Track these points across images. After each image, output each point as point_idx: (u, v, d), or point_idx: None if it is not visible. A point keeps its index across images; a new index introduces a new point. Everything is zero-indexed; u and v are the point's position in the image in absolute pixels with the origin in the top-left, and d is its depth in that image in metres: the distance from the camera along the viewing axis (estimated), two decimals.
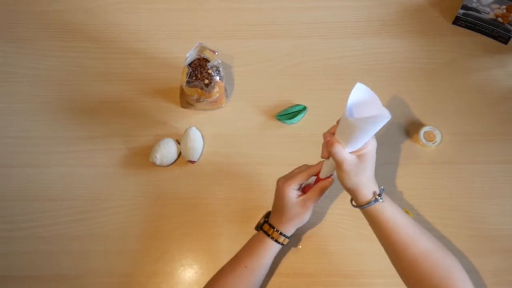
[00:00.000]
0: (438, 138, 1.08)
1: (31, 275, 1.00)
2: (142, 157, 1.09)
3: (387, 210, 0.82)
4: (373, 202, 0.81)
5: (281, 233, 0.90)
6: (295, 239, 1.01)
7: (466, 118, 1.12)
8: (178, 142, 1.08)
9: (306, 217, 0.91)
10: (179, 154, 1.08)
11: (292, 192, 0.89)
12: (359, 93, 0.75)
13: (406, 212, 1.01)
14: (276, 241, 0.90)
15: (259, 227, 0.94)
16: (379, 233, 0.84)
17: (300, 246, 1.00)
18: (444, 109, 1.13)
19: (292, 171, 0.92)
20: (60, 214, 1.04)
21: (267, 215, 0.95)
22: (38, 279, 0.99)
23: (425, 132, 1.08)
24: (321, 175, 0.89)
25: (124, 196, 1.06)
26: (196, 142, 1.07)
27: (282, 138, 1.10)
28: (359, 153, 0.79)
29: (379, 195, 0.82)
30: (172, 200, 1.05)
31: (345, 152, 0.78)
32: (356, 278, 0.97)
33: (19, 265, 1.00)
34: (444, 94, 1.14)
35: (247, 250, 0.91)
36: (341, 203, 1.04)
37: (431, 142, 1.08)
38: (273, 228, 0.90)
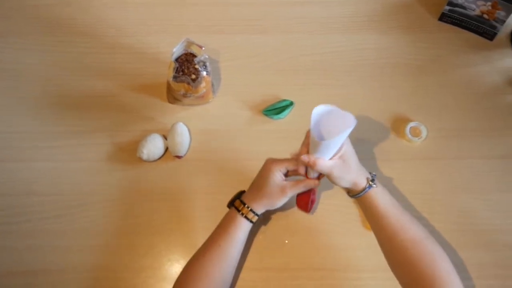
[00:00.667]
0: (424, 133, 1.09)
1: (16, 270, 0.99)
2: (129, 152, 1.08)
3: (379, 196, 0.88)
4: (368, 188, 0.88)
5: (251, 210, 0.91)
6: (282, 233, 1.01)
7: (451, 114, 1.13)
8: (165, 137, 1.08)
9: (279, 202, 0.92)
10: (166, 149, 1.08)
11: (277, 173, 0.91)
12: (319, 111, 0.82)
13: None
14: (246, 217, 0.91)
15: (230, 204, 0.95)
16: (371, 218, 0.89)
17: (287, 241, 1.00)
18: (430, 105, 1.13)
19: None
20: (46, 209, 1.04)
21: (240, 193, 0.96)
22: (23, 274, 0.98)
23: (411, 128, 1.09)
24: (309, 175, 0.92)
25: (110, 191, 1.05)
26: (183, 137, 1.07)
27: (269, 133, 1.11)
28: (339, 155, 0.86)
29: (372, 180, 0.88)
30: (158, 195, 1.05)
31: (328, 162, 0.86)
32: (343, 272, 0.97)
33: (4, 260, 1.00)
34: (430, 90, 1.15)
35: (220, 228, 0.92)
36: (329, 199, 1.04)
37: (417, 138, 1.08)
38: (244, 204, 0.91)
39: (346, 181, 0.88)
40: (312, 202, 0.96)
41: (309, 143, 0.87)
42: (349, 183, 0.88)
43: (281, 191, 0.91)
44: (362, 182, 0.88)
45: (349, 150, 0.88)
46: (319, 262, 0.99)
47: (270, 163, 0.93)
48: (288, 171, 0.94)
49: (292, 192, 0.91)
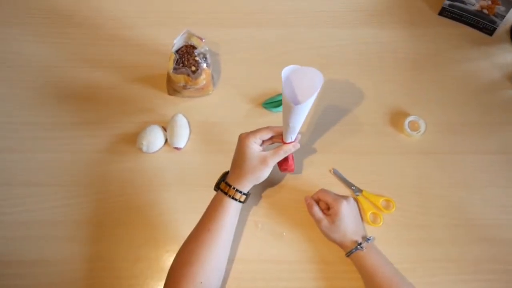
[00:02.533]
0: (422, 127, 1.09)
1: (14, 260, 0.99)
2: (129, 144, 1.09)
3: (367, 259, 0.92)
4: (353, 251, 0.93)
5: (237, 190, 0.91)
6: (280, 226, 1.01)
7: (450, 108, 1.13)
8: (164, 129, 1.08)
9: (263, 174, 0.93)
10: (166, 141, 1.08)
11: (253, 145, 0.92)
12: (287, 73, 0.83)
13: (388, 200, 1.03)
14: (234, 198, 0.91)
15: (216, 187, 0.96)
16: (361, 276, 0.94)
17: (284, 234, 1.01)
18: (429, 99, 1.14)
19: None
20: (44, 199, 1.04)
21: (224, 174, 0.97)
22: (21, 263, 0.99)
23: (409, 122, 1.09)
24: (284, 140, 0.93)
25: (109, 182, 1.06)
26: (183, 129, 1.07)
27: None
28: (328, 214, 0.96)
29: (360, 244, 0.93)
30: (157, 187, 1.05)
31: (321, 213, 0.97)
32: (339, 265, 0.98)
33: (2, 249, 1.00)
34: (429, 84, 1.15)
35: (209, 213, 0.92)
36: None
37: (416, 132, 1.09)
38: (229, 186, 0.91)
39: (331, 239, 0.96)
40: (293, 159, 0.99)
41: (313, 196, 1.00)
42: (334, 241, 0.96)
43: (262, 162, 0.91)
44: (348, 245, 0.94)
45: (344, 213, 0.95)
46: (316, 255, 0.99)
47: (244, 137, 0.93)
48: (263, 141, 0.95)
49: (273, 161, 0.92)
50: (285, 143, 0.94)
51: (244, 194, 0.92)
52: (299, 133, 0.94)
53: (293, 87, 0.84)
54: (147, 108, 1.13)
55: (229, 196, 0.91)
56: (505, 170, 1.07)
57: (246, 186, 0.92)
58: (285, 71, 0.81)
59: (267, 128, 0.94)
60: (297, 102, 0.84)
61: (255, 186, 0.94)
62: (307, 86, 0.81)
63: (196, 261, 0.86)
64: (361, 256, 0.92)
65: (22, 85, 1.16)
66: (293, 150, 0.94)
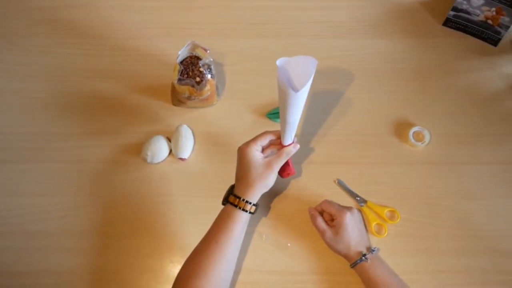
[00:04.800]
0: (427, 138, 1.09)
1: (19, 270, 1.00)
2: (133, 154, 1.09)
3: (372, 270, 0.92)
4: (358, 262, 0.93)
5: (247, 201, 0.90)
6: (285, 237, 1.01)
7: (455, 119, 1.13)
8: (169, 140, 1.09)
9: (270, 180, 0.93)
10: (170, 152, 1.08)
11: (255, 153, 0.92)
12: (282, 64, 0.81)
13: (393, 211, 1.02)
14: (244, 210, 0.90)
15: (225, 201, 0.95)
16: (365, 286, 0.93)
17: (289, 244, 1.01)
18: (433, 110, 1.14)
19: None
20: (49, 210, 1.04)
21: (231, 188, 0.96)
22: (26, 274, 0.99)
23: (414, 132, 1.09)
24: (283, 142, 0.93)
25: (114, 193, 1.06)
26: (187, 139, 1.07)
27: None
28: (332, 225, 0.96)
29: (364, 255, 0.92)
30: (162, 197, 1.05)
31: (325, 225, 0.97)
32: (343, 276, 0.97)
33: (7, 260, 1.00)
34: (434, 95, 1.15)
35: (217, 225, 0.91)
36: None
37: (420, 142, 1.08)
38: (239, 198, 0.91)
39: (335, 250, 0.96)
40: (291, 163, 0.99)
41: (317, 207, 1.00)
42: (339, 253, 0.96)
43: (267, 168, 0.91)
44: (353, 256, 0.94)
45: (348, 224, 0.95)
46: (321, 266, 0.99)
47: (244, 148, 0.93)
48: (263, 148, 0.95)
49: (277, 164, 0.93)
50: (284, 146, 0.94)
51: (254, 204, 0.92)
52: (295, 135, 0.94)
53: (289, 79, 0.83)
54: (151, 119, 1.13)
55: (239, 208, 0.90)
56: (510, 181, 1.06)
57: (255, 195, 0.92)
58: (279, 62, 0.80)
59: (264, 133, 0.95)
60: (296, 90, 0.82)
61: (260, 197, 0.93)
62: (302, 75, 0.81)
63: (203, 274, 0.86)
64: (366, 268, 0.92)
65: (28, 96, 1.16)
66: (294, 151, 0.95)
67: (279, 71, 0.80)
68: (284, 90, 0.79)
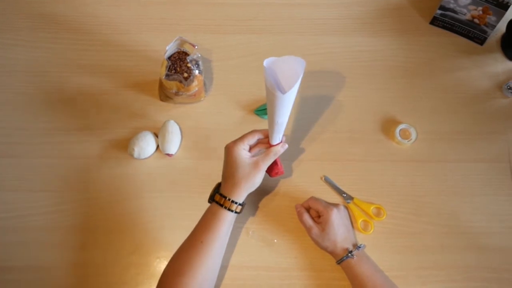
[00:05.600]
0: (413, 136, 1.10)
1: (4, 266, 0.99)
2: (120, 150, 1.09)
3: (358, 267, 0.92)
4: (344, 258, 0.93)
5: (232, 201, 0.90)
6: (272, 233, 1.02)
7: (441, 117, 1.13)
8: (156, 135, 1.08)
9: (257, 179, 0.92)
10: (157, 147, 1.08)
11: (242, 152, 0.92)
12: (269, 63, 0.80)
13: (379, 208, 1.03)
14: (229, 209, 0.90)
15: (210, 199, 0.95)
16: (351, 283, 0.94)
17: (275, 240, 1.01)
18: (420, 108, 1.14)
19: None
20: (36, 205, 1.04)
21: (218, 186, 0.96)
22: (11, 269, 0.99)
23: (400, 130, 1.10)
24: (271, 142, 0.93)
25: (100, 189, 1.06)
26: (174, 135, 1.07)
27: None
28: (318, 222, 0.97)
29: (351, 252, 0.93)
30: (148, 193, 1.05)
31: (311, 221, 0.97)
32: (330, 272, 0.98)
33: None
34: (421, 93, 1.16)
35: (202, 224, 0.91)
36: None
37: (407, 140, 1.09)
38: (225, 197, 0.90)
39: (322, 246, 0.96)
40: (280, 162, 0.99)
41: (304, 204, 1.01)
42: (325, 249, 0.96)
43: (254, 167, 0.91)
44: (339, 253, 0.94)
45: (335, 221, 0.95)
46: (307, 262, 0.99)
47: (231, 146, 0.93)
48: (250, 147, 0.95)
49: (265, 164, 0.92)
50: (272, 146, 0.94)
51: (240, 204, 0.91)
52: (284, 135, 0.94)
53: (277, 80, 0.83)
54: (138, 114, 1.13)
55: (225, 207, 0.90)
56: (495, 179, 1.07)
57: (241, 195, 0.91)
58: (267, 63, 0.79)
59: (252, 132, 0.94)
60: (283, 93, 0.81)
61: (247, 195, 0.93)
62: (290, 75, 0.80)
63: (188, 272, 0.86)
64: (352, 264, 0.92)
65: (14, 90, 1.15)
66: (282, 151, 0.94)
67: (266, 72, 0.79)
68: (272, 91, 0.79)
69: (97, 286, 0.98)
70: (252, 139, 0.94)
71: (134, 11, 1.26)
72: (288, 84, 0.80)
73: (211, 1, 1.27)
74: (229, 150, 0.92)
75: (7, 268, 0.99)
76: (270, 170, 0.99)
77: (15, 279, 0.98)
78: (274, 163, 0.97)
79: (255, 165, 0.91)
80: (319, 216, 0.98)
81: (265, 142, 0.95)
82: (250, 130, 0.96)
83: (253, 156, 0.94)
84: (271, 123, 0.88)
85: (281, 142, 0.94)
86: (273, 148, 0.93)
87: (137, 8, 1.26)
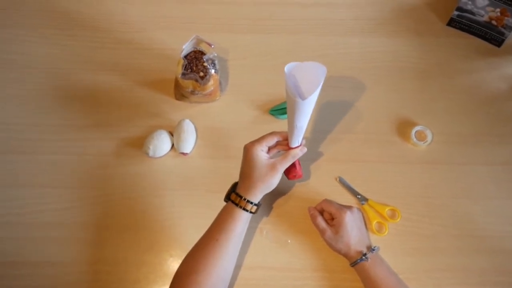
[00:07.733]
0: (429, 137, 1.09)
1: (18, 261, 0.99)
2: (135, 148, 1.09)
3: (372, 269, 0.92)
4: (358, 261, 0.92)
5: (248, 201, 0.90)
6: (285, 233, 1.01)
7: (456, 119, 1.13)
8: (171, 134, 1.09)
9: (273, 181, 0.92)
10: (172, 146, 1.08)
11: (260, 153, 0.91)
12: (290, 69, 0.82)
13: (394, 210, 1.03)
14: (245, 209, 0.90)
15: (226, 198, 0.95)
16: (365, 286, 0.93)
17: (289, 241, 1.01)
18: (436, 109, 1.14)
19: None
20: (50, 201, 1.04)
21: (235, 185, 0.95)
22: (25, 265, 0.99)
23: (416, 131, 1.09)
24: (290, 144, 0.93)
25: (114, 186, 1.06)
26: (189, 134, 1.07)
27: None
28: (332, 224, 0.96)
29: (365, 254, 0.92)
30: (163, 191, 1.05)
31: (325, 224, 0.96)
32: (343, 273, 0.98)
33: (6, 250, 1.00)
34: (436, 94, 1.16)
35: (218, 223, 0.91)
36: None
37: (422, 142, 1.09)
38: (240, 197, 0.90)
39: (335, 249, 0.96)
40: (299, 164, 0.99)
41: (317, 207, 1.00)
42: (339, 252, 0.96)
43: (271, 169, 0.91)
44: (353, 255, 0.94)
45: (348, 223, 0.94)
46: (321, 263, 0.99)
47: (250, 146, 0.92)
48: (268, 149, 0.95)
49: (282, 166, 0.92)
50: (291, 148, 0.93)
51: (255, 205, 0.91)
52: (303, 138, 0.94)
53: (297, 85, 0.83)
54: (154, 113, 1.13)
55: (240, 207, 0.90)
56: (509, 182, 1.07)
57: (257, 196, 0.91)
58: (288, 68, 0.80)
59: (272, 133, 0.94)
60: (302, 98, 0.82)
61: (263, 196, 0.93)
62: (310, 81, 0.80)
63: (202, 271, 0.86)
64: (366, 267, 0.92)
65: (29, 87, 1.16)
66: (300, 154, 0.94)
67: (286, 78, 0.79)
68: (292, 97, 0.79)
69: (110, 283, 0.98)
70: (271, 141, 0.93)
71: (149, 10, 1.26)
72: (308, 90, 0.81)
73: (227, 1, 1.27)
74: (247, 151, 0.92)
75: (20, 263, 0.99)
76: (288, 172, 0.98)
77: (28, 274, 0.98)
78: (293, 165, 0.97)
79: (272, 166, 0.91)
80: (332, 219, 0.98)
81: (284, 144, 0.95)
82: (265, 130, 0.96)
83: (271, 157, 0.94)
84: (291, 126, 0.88)
85: (300, 145, 0.94)
86: (291, 151, 0.93)
87: (153, 6, 1.27)
